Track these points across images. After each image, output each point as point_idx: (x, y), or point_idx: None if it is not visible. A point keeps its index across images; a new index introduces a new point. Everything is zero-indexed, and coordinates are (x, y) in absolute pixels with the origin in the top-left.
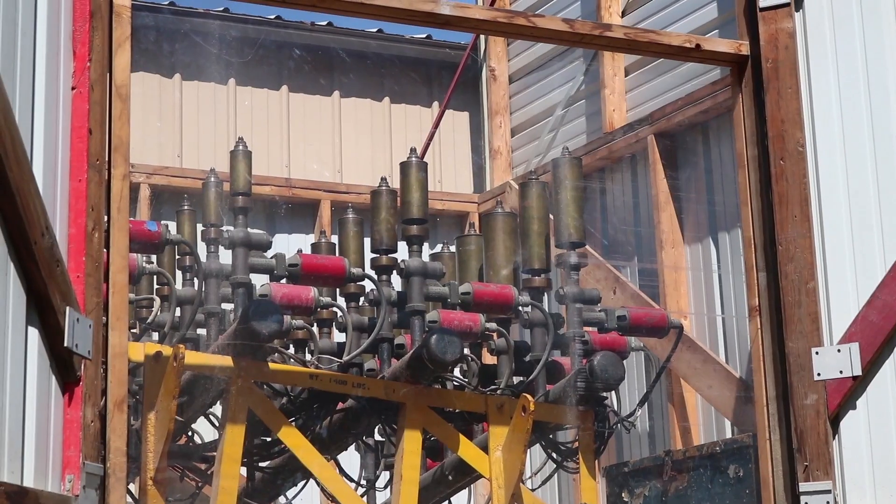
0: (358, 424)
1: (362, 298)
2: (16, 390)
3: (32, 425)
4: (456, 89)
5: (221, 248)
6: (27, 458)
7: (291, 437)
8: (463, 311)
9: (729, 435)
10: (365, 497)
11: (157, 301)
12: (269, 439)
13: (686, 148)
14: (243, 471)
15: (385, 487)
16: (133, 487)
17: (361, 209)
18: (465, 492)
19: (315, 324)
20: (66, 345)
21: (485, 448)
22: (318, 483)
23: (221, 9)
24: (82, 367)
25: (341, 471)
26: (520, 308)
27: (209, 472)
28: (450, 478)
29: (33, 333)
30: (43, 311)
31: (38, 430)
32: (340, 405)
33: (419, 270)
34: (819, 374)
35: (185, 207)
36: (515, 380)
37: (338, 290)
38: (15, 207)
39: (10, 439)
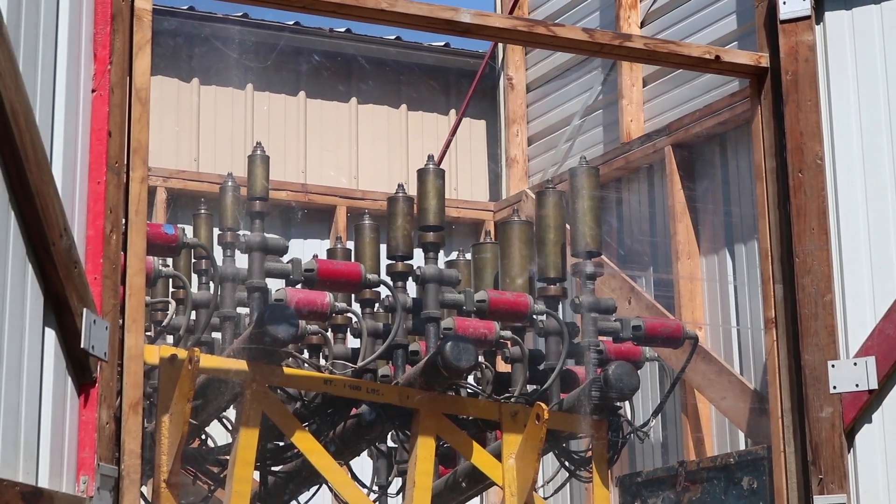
0: (371, 430)
1: (377, 304)
2: (32, 391)
3: (48, 426)
4: (473, 98)
5: (237, 253)
6: (42, 459)
7: (305, 442)
8: (478, 318)
9: (742, 446)
10: (377, 503)
11: (173, 304)
12: (282, 443)
13: (703, 159)
14: (256, 475)
15: (397, 493)
16: (146, 490)
17: (377, 215)
18: (476, 499)
19: (330, 329)
20: (82, 346)
21: (498, 456)
22: (330, 488)
23: (240, 14)
24: (98, 368)
25: (353, 476)
26: (535, 316)
27: (222, 476)
28: (462, 485)
29: (50, 334)
30: (60, 312)
31: (53, 431)
32: (354, 410)
33: (435, 277)
34: (835, 387)
35: (202, 211)
36: (529, 388)
37: (353, 295)
38: (34, 209)
39: (25, 440)
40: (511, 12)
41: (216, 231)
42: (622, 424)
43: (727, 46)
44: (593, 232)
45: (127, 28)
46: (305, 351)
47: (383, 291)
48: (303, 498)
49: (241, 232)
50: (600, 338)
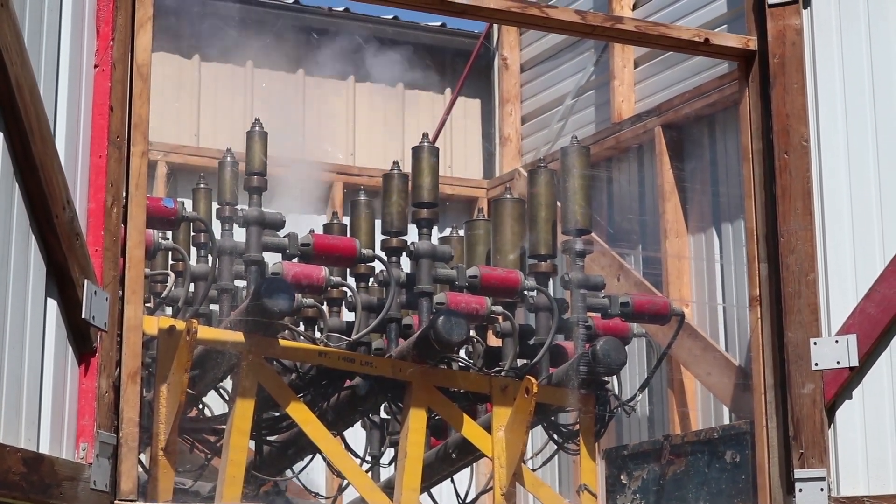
0: (364, 402)
1: (372, 279)
2: (34, 360)
3: (49, 394)
4: (468, 77)
5: (236, 227)
6: (43, 426)
7: (299, 413)
8: (470, 293)
9: (726, 421)
10: (369, 473)
11: (172, 276)
12: (277, 414)
13: (692, 140)
14: (252, 444)
15: (390, 464)
16: (144, 457)
17: (373, 192)
18: (466, 470)
19: (325, 302)
20: (83, 317)
21: (488, 428)
22: (324, 458)
23: None
24: (98, 338)
25: (347, 447)
26: (525, 292)
27: (218, 445)
28: (453, 456)
29: (52, 304)
30: (62, 283)
31: (54, 399)
32: (348, 382)
33: (428, 253)
34: (817, 364)
35: (201, 186)
36: (519, 362)
37: (348, 270)
38: (38, 181)
39: (27, 407)
40: None
41: (215, 205)
42: (609, 399)
43: (717, 29)
44: (584, 210)
45: (129, 5)
46: (301, 324)
47: (378, 266)
48: (297, 467)
49: (239, 206)
50: (589, 314)
